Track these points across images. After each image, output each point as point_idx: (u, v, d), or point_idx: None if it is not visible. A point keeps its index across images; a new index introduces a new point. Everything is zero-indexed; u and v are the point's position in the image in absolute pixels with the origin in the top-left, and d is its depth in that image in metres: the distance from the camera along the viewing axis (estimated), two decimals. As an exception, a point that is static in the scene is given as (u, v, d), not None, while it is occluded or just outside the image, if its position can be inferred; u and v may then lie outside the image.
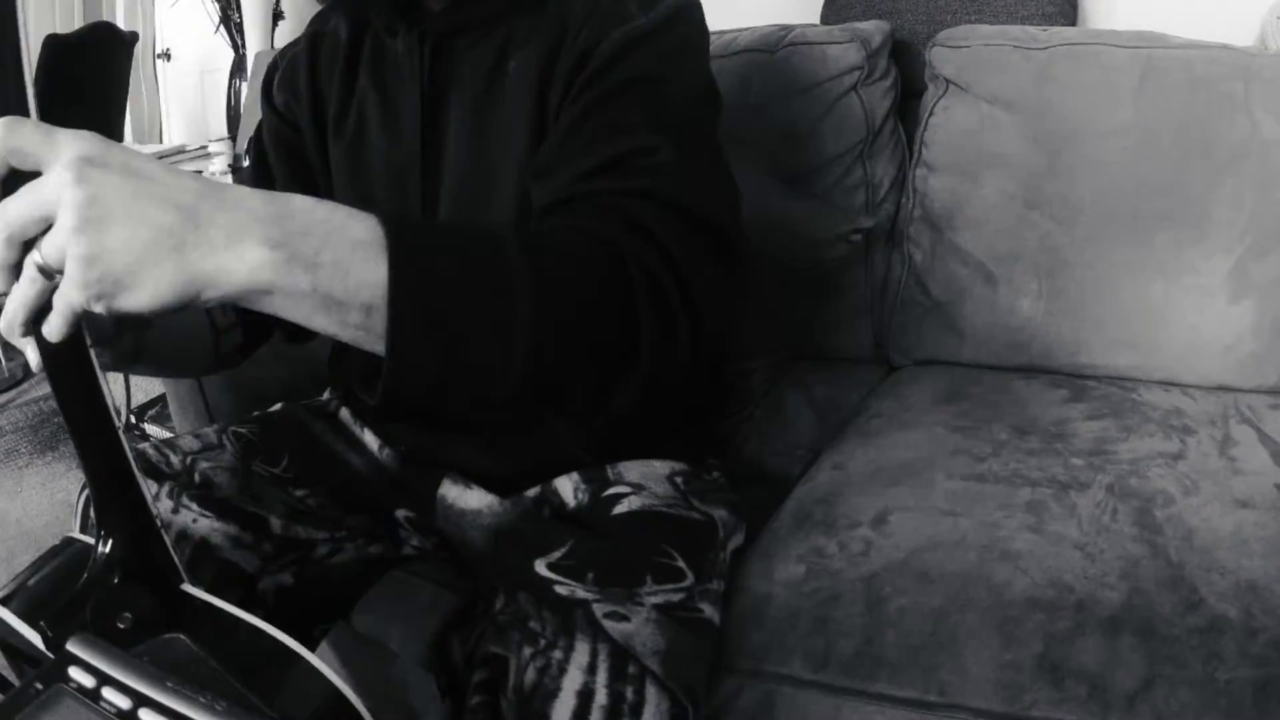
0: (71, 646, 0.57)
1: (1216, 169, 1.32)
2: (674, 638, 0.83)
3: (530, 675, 0.78)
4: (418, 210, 0.93)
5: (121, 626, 0.60)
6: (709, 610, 0.90)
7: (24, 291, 0.51)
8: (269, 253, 0.51)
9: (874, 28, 1.55)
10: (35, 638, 0.64)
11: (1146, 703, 0.82)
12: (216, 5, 3.20)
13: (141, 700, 0.54)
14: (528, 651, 0.80)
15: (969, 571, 0.96)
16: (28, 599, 0.71)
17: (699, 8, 0.87)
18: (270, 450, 1.03)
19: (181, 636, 0.62)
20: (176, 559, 0.63)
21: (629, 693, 0.77)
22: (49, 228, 0.49)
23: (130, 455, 0.62)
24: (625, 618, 0.83)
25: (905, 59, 1.61)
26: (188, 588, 0.64)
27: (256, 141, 1.06)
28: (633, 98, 0.79)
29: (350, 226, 0.55)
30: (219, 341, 0.94)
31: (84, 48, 3.10)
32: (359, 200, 0.94)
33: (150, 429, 2.47)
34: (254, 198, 0.53)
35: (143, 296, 0.50)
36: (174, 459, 0.99)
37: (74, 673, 0.56)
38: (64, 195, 0.48)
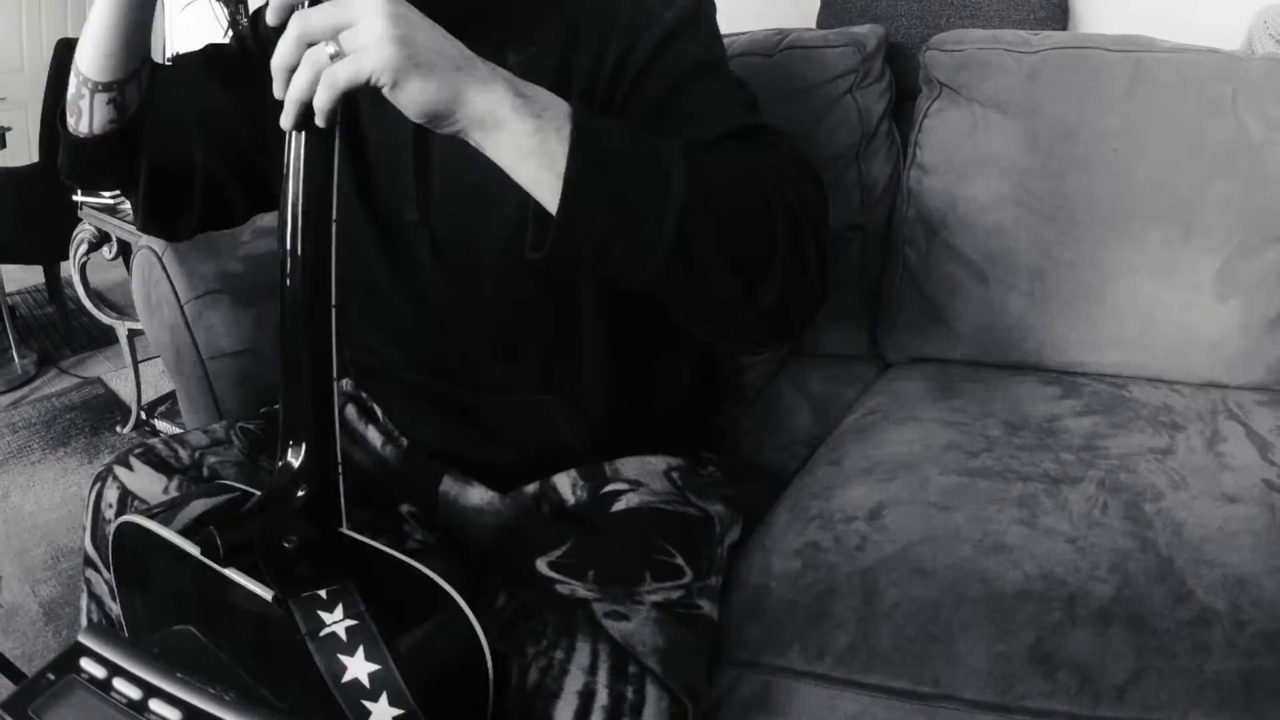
0: (83, 638, 0.57)
1: (1205, 170, 1.32)
2: (673, 636, 0.83)
3: (533, 675, 0.78)
4: (411, 184, 0.91)
5: (287, 546, 0.64)
6: (707, 606, 0.90)
7: (302, 79, 0.63)
8: (512, 96, 0.65)
9: (869, 32, 1.55)
10: (190, 546, 0.67)
11: (1136, 694, 0.82)
12: (225, 11, 3.19)
13: (151, 690, 0.54)
14: (530, 651, 0.80)
15: (962, 565, 0.96)
16: (179, 517, 0.74)
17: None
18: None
19: (192, 629, 0.62)
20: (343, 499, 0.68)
21: (629, 692, 0.77)
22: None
23: (334, 364, 0.67)
24: (625, 617, 0.83)
25: (900, 62, 1.60)
26: (346, 530, 0.68)
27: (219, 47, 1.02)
28: (710, 82, 0.84)
29: (561, 101, 0.68)
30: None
31: (95, 51, 3.09)
32: (356, 173, 0.94)
33: (160, 425, 2.47)
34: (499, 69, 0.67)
35: (415, 91, 0.63)
36: (183, 454, 0.99)
37: (85, 664, 0.56)
38: (375, 6, 0.62)
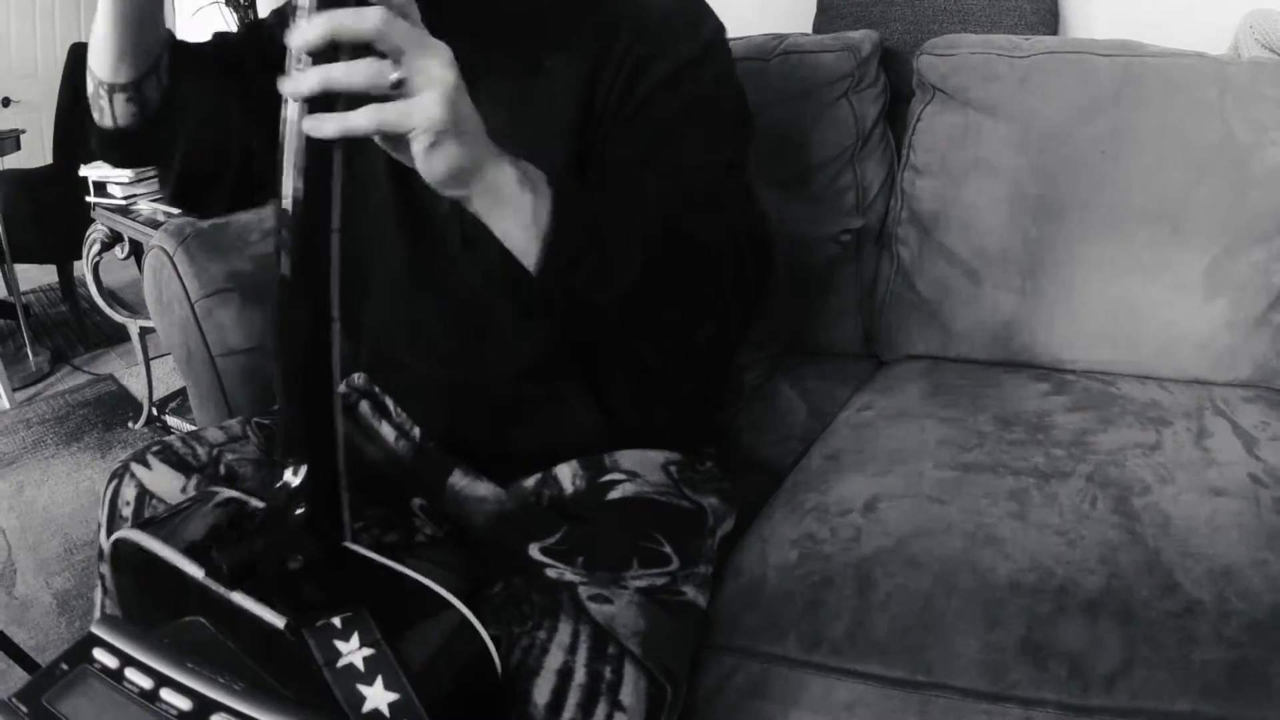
0: (95, 629, 0.57)
1: (1192, 172, 1.32)
2: (655, 620, 0.84)
3: (515, 655, 0.78)
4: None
5: (293, 566, 0.63)
6: (692, 593, 0.90)
7: (355, 81, 0.60)
8: (518, 175, 0.69)
9: (863, 37, 1.55)
10: (193, 568, 0.65)
11: (1125, 683, 0.81)
12: (235, 16, 3.19)
13: (162, 680, 0.54)
14: (515, 631, 0.80)
15: (955, 557, 0.95)
16: (177, 533, 0.71)
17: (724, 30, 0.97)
18: None
19: (202, 620, 0.62)
20: (347, 515, 0.66)
21: (607, 672, 0.78)
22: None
23: (336, 378, 0.64)
24: (609, 600, 0.83)
25: (894, 67, 1.60)
26: (349, 544, 0.66)
27: (225, 36, 1.00)
28: (704, 128, 0.88)
29: (543, 177, 0.72)
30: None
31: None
32: (373, 181, 0.94)
33: (171, 420, 2.47)
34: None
35: (444, 157, 0.64)
36: (201, 451, 0.98)
37: (98, 654, 0.56)
38: (445, 55, 0.62)
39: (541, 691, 0.75)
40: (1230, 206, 1.31)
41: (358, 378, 1.10)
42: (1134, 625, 0.86)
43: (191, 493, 0.91)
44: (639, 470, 0.97)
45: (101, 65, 0.84)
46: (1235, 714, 0.79)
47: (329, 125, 0.60)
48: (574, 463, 0.97)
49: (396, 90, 0.61)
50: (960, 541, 0.98)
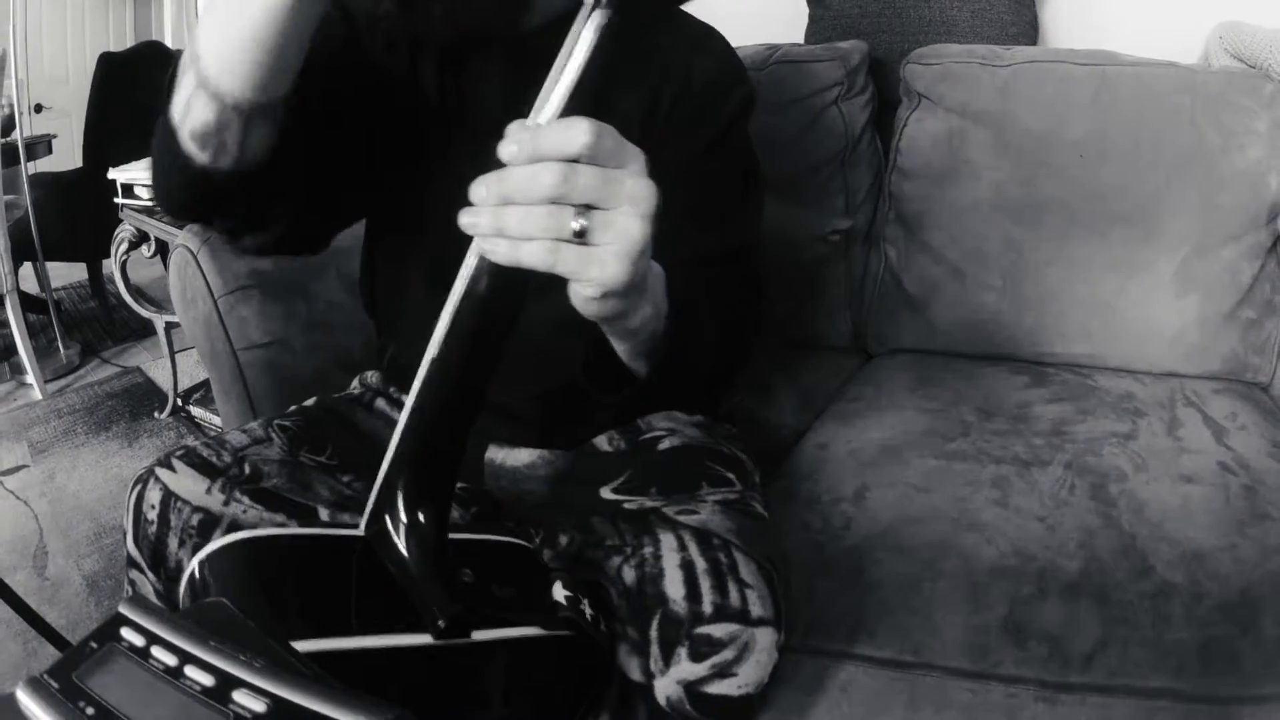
0: (123, 609, 0.57)
1: (1165, 175, 1.31)
2: (740, 521, 0.83)
3: (629, 574, 0.76)
4: None
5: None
6: (759, 508, 0.89)
7: (533, 229, 0.54)
8: (652, 316, 0.67)
9: (853, 47, 1.54)
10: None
11: (1101, 661, 0.81)
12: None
13: (187, 658, 0.54)
14: (616, 560, 0.78)
15: (940, 542, 0.95)
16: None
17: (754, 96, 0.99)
18: (315, 440, 0.97)
19: (224, 601, 0.62)
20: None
21: (721, 558, 0.76)
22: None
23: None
24: (694, 512, 0.83)
25: (882, 75, 1.59)
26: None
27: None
28: (740, 187, 0.95)
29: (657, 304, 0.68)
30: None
31: (135, 64, 3.08)
32: (453, 178, 0.91)
33: (196, 411, 2.46)
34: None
35: (605, 306, 0.59)
36: (225, 454, 0.91)
37: (125, 633, 0.55)
38: (644, 200, 0.55)
39: (675, 586, 0.74)
40: (1201, 208, 1.30)
41: (370, 376, 1.09)
42: (1110, 606, 0.86)
43: (217, 494, 0.85)
44: (675, 426, 0.98)
45: (239, 78, 0.64)
46: (1206, 690, 0.79)
47: (501, 247, 0.55)
48: (609, 432, 0.98)
49: (579, 238, 0.54)
50: (945, 527, 0.97)
